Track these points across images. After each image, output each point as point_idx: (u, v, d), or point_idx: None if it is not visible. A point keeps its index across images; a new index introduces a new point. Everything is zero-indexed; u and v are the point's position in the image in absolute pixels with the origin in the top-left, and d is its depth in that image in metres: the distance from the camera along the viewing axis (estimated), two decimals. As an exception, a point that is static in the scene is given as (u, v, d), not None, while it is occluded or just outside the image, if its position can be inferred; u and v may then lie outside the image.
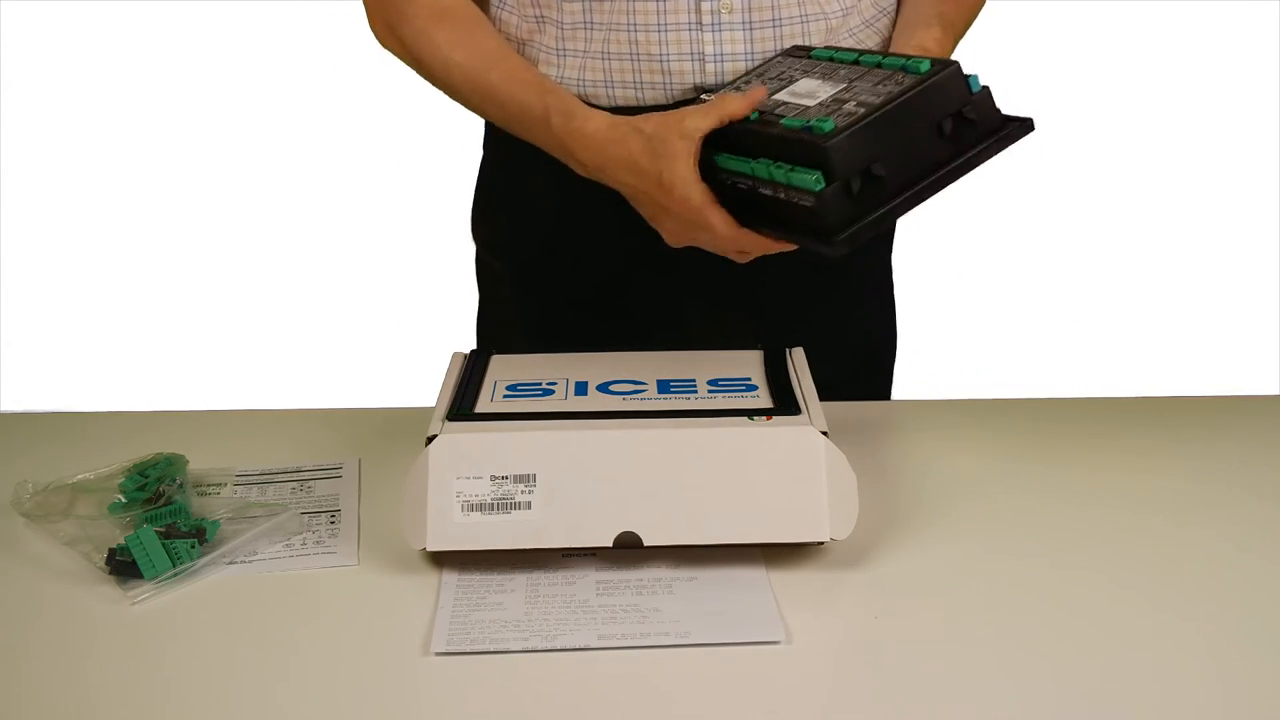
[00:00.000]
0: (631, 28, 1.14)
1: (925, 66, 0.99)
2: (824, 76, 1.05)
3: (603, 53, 1.16)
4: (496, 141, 1.31)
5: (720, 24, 1.14)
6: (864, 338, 1.34)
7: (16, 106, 2.55)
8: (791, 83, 1.07)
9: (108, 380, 2.37)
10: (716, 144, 1.05)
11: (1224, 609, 0.89)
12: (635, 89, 1.16)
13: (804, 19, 1.16)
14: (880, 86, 0.99)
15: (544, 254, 1.27)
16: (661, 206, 1.06)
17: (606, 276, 1.26)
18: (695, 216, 1.04)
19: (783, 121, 1.00)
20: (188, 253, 2.58)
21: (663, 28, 1.14)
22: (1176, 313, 2.49)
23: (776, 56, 1.14)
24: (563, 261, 1.27)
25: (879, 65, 1.03)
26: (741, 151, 1.03)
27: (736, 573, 0.91)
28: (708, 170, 1.04)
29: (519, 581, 0.91)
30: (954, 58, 1.00)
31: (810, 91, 1.03)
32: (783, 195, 0.98)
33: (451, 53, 1.16)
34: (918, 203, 0.98)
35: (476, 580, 0.91)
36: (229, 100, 2.57)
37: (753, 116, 1.03)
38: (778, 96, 1.05)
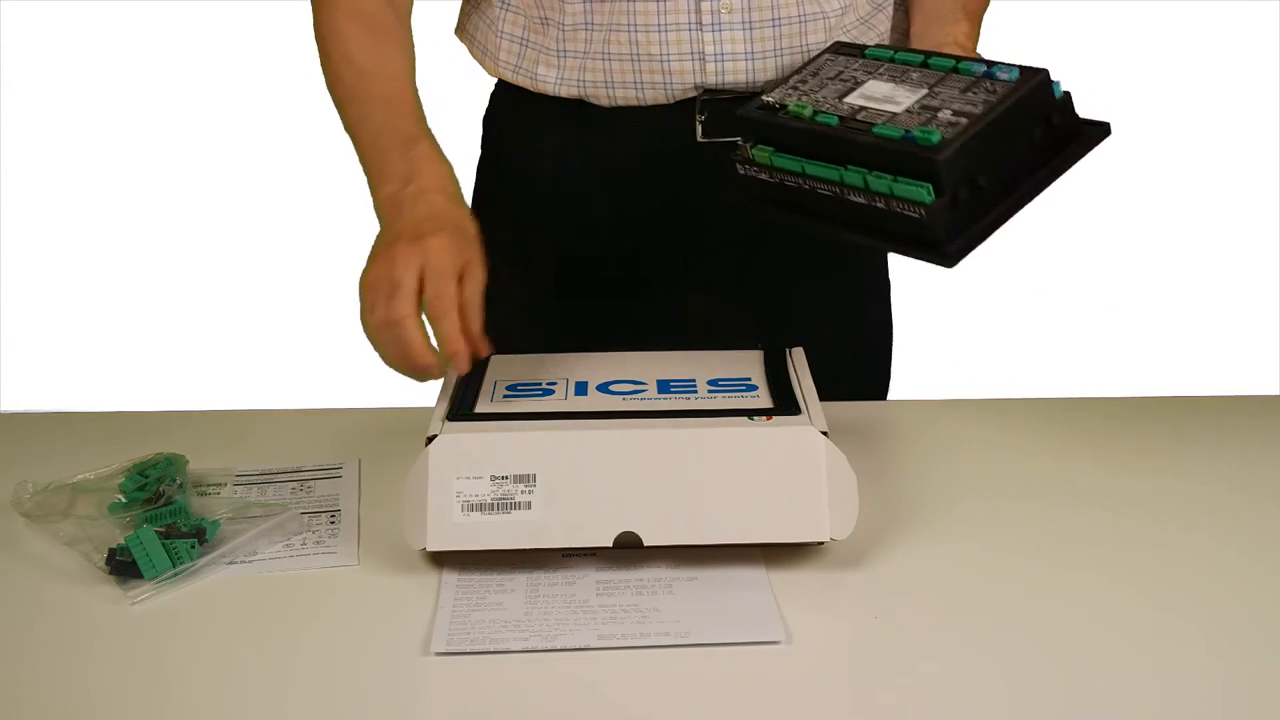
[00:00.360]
0: (631, 28, 1.14)
1: (1015, 74, 1.00)
2: (895, 80, 1.04)
3: (603, 53, 1.16)
4: (494, 141, 1.31)
5: (720, 24, 1.14)
6: (861, 335, 1.35)
7: (16, 106, 2.55)
8: (857, 84, 1.05)
9: (108, 380, 2.37)
10: (789, 148, 1.04)
11: (1224, 609, 0.89)
12: (635, 89, 1.16)
13: (802, 18, 1.16)
14: (971, 94, 0.99)
15: (542, 254, 1.27)
16: (403, 264, 1.00)
17: (605, 276, 1.26)
18: (404, 298, 0.99)
19: (875, 130, 0.99)
20: (188, 253, 2.58)
21: (663, 28, 1.14)
22: (1177, 313, 2.48)
23: (825, 54, 1.12)
24: (561, 261, 1.27)
25: (955, 70, 1.03)
26: (822, 157, 1.02)
27: (736, 573, 0.91)
28: (753, 179, 1.06)
29: (519, 581, 0.91)
30: (1037, 65, 1.01)
31: (887, 96, 1.02)
32: (881, 204, 0.98)
33: (355, 51, 1.15)
34: (1018, 210, 0.98)
35: (476, 580, 0.91)
36: (229, 100, 2.57)
37: (833, 122, 1.01)
38: (850, 100, 1.04)
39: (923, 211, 0.95)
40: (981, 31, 1.24)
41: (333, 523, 1.00)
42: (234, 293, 2.56)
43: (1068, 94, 1.01)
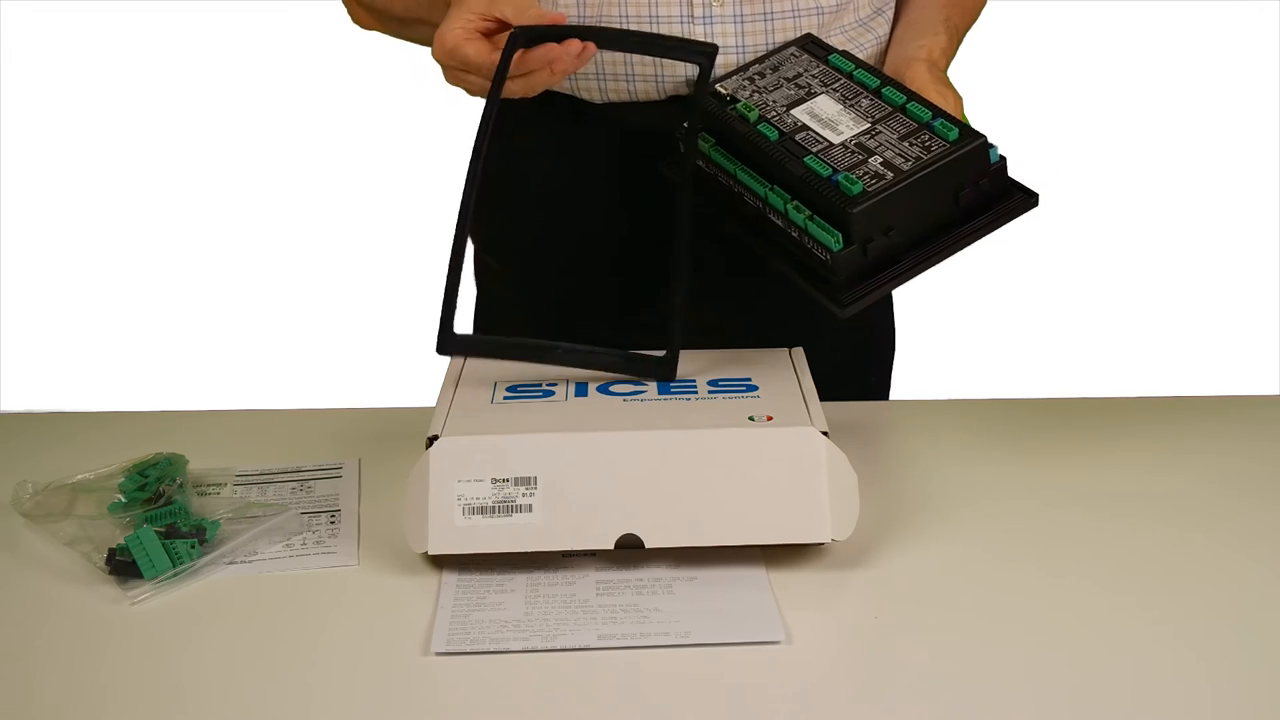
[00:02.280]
0: (623, 19, 1.14)
1: (954, 135, 1.00)
2: (845, 101, 1.06)
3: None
4: (494, 141, 1.31)
5: (711, 17, 1.14)
6: (864, 333, 1.34)
7: (16, 106, 2.55)
8: (811, 96, 1.07)
9: (108, 380, 2.37)
10: (727, 146, 1.06)
11: (1225, 611, 0.89)
12: (627, 81, 1.16)
13: (795, 13, 1.16)
14: (906, 145, 1.00)
15: (538, 254, 1.27)
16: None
17: (603, 276, 1.26)
18: (450, 59, 1.05)
19: (806, 160, 1.00)
20: (187, 253, 2.58)
21: (655, 20, 1.14)
22: (1176, 313, 2.49)
23: (790, 48, 1.13)
24: (560, 261, 1.27)
25: (904, 109, 1.03)
26: (754, 168, 1.04)
27: (736, 573, 0.91)
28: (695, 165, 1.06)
29: (519, 581, 0.91)
30: (979, 130, 1.02)
31: (832, 120, 1.04)
32: (795, 234, 1.01)
33: None
34: (928, 267, 1.00)
35: (476, 580, 0.91)
36: (229, 101, 2.57)
37: (772, 136, 1.04)
38: (796, 114, 1.05)
39: (829, 256, 0.98)
40: (975, 35, 1.24)
41: (333, 523, 1.00)
42: (234, 293, 2.57)
43: (1003, 159, 1.02)
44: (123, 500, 1.00)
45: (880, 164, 0.99)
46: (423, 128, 2.27)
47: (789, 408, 0.97)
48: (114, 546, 0.93)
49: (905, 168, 0.98)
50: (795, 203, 1.00)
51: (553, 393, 1.01)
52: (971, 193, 1.01)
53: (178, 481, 1.01)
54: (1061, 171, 2.46)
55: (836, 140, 1.02)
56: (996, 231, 1.02)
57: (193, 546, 0.93)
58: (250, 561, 0.95)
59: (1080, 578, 0.92)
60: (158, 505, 0.98)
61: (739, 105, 1.07)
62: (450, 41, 1.04)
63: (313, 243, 2.53)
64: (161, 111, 2.58)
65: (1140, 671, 0.82)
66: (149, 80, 2.57)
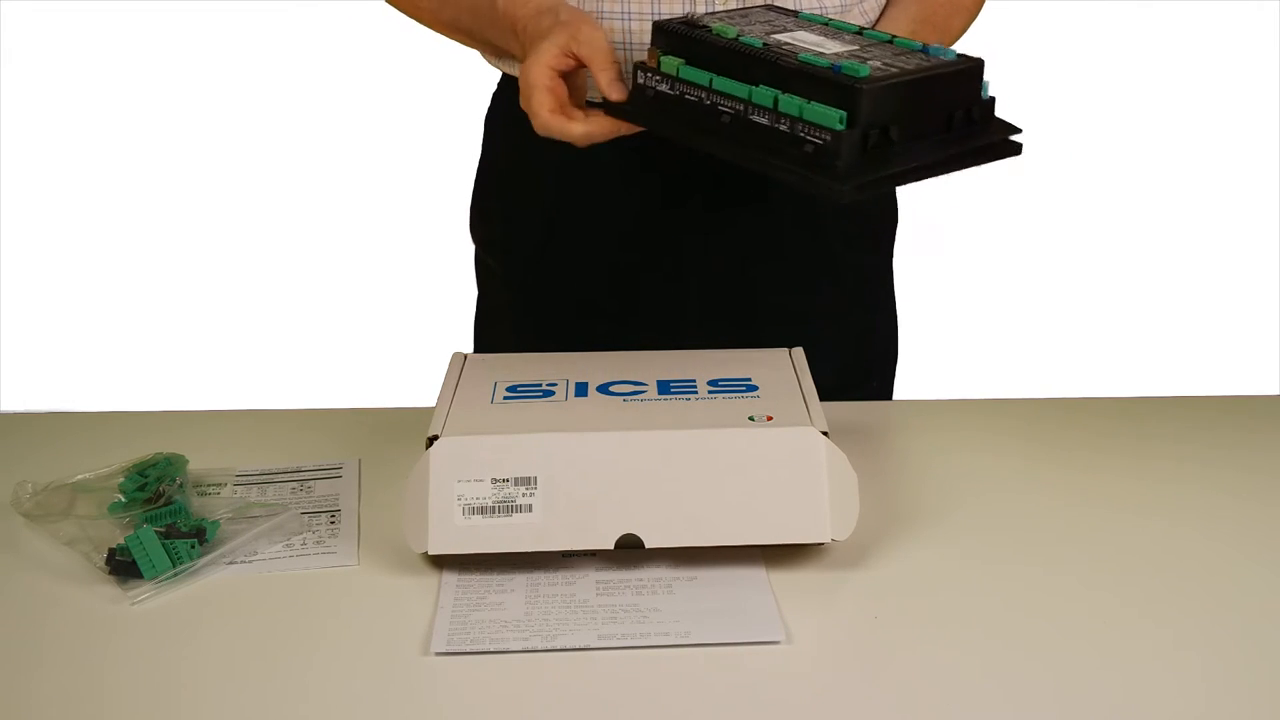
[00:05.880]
0: (625, 16, 1.14)
1: (953, 55, 1.00)
2: (826, 36, 1.04)
3: None
4: (493, 144, 1.31)
5: (715, 14, 1.13)
6: (865, 339, 1.34)
7: (16, 106, 2.55)
8: (787, 31, 1.04)
9: (108, 380, 2.37)
10: (701, 63, 1.02)
11: (1226, 613, 0.89)
12: (627, 80, 1.16)
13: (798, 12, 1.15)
14: (903, 59, 0.98)
15: (541, 254, 1.27)
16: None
17: (603, 277, 1.26)
18: (526, 93, 1.05)
19: (800, 57, 0.97)
20: (188, 253, 2.58)
21: (658, 16, 1.14)
22: (1176, 313, 2.49)
23: (759, 7, 1.11)
24: (559, 262, 1.27)
25: (891, 42, 1.03)
26: (734, 76, 1.00)
27: (736, 573, 0.92)
28: (648, 88, 1.05)
29: (519, 581, 0.91)
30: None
31: (817, 43, 1.01)
32: (785, 127, 0.96)
33: None
34: (919, 179, 0.98)
35: (476, 580, 0.91)
36: (230, 101, 2.58)
37: (757, 44, 1.00)
38: (779, 38, 1.02)
39: (828, 137, 0.93)
40: (978, 35, 1.24)
41: (333, 523, 1.00)
42: (234, 293, 2.57)
43: (993, 99, 1.01)
44: (123, 500, 1.00)
45: (881, 65, 0.96)
46: (422, 129, 2.27)
47: (789, 408, 0.97)
48: (114, 546, 0.93)
49: (909, 67, 0.96)
50: (787, 94, 0.96)
51: (553, 393, 1.01)
52: (964, 118, 0.99)
53: (178, 481, 1.01)
54: (1064, 172, 2.47)
55: (829, 52, 0.99)
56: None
57: (193, 546, 0.93)
58: (250, 561, 0.95)
59: (1080, 578, 0.93)
60: (158, 505, 0.98)
61: (714, 28, 1.03)
62: (534, 101, 1.04)
63: (313, 243, 2.53)
64: (162, 111, 2.59)
65: (1139, 672, 0.82)
66: (149, 80, 2.57)
